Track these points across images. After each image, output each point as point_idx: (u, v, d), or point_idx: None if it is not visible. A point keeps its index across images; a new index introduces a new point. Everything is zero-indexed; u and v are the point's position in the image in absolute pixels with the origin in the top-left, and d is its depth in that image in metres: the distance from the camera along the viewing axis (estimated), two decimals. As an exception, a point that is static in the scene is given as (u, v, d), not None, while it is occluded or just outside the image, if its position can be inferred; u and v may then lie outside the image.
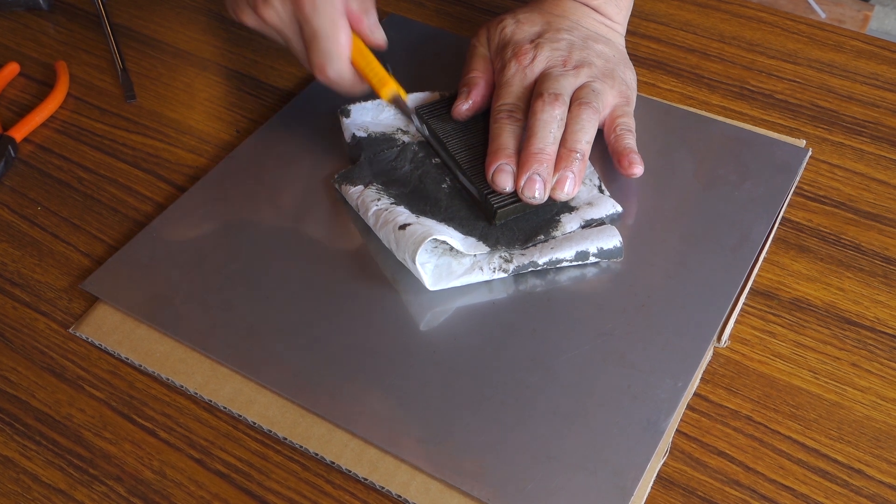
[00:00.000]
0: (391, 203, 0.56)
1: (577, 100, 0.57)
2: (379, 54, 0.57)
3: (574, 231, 0.55)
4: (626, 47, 0.65)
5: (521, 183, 0.54)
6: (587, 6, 0.63)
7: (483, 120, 0.60)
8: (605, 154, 0.60)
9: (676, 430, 0.48)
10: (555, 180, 0.54)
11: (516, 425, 0.46)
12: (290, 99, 0.67)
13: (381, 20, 0.62)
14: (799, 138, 0.63)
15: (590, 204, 0.56)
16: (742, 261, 0.54)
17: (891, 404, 0.49)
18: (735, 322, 0.52)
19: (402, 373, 0.49)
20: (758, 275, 0.55)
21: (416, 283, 0.52)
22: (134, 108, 0.68)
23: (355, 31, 0.56)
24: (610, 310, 0.52)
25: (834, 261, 0.56)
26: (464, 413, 0.47)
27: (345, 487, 0.46)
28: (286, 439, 0.47)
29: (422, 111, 0.61)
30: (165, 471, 0.47)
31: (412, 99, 0.63)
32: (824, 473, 0.46)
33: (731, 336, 0.52)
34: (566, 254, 0.53)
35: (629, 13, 0.66)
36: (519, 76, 0.58)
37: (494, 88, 0.60)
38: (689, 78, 0.69)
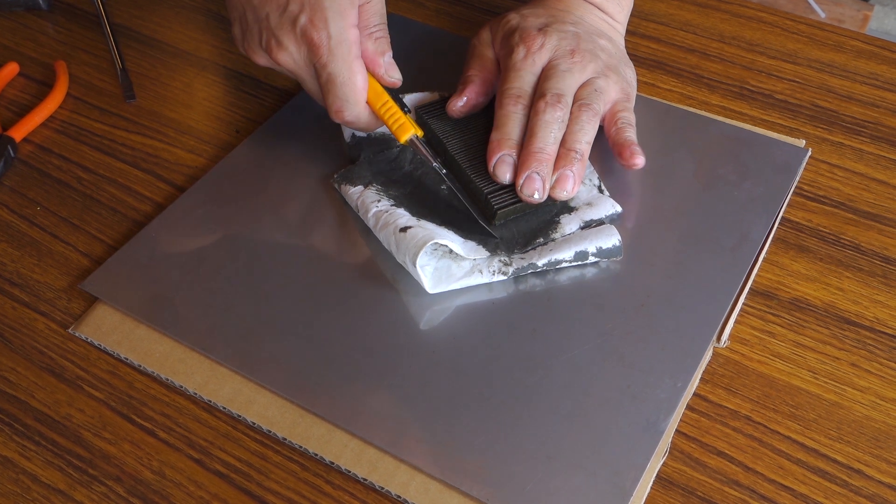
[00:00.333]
0: (391, 205, 0.56)
1: (578, 100, 0.57)
2: (394, 92, 0.57)
3: (573, 232, 0.55)
4: (627, 47, 0.65)
5: (521, 181, 0.54)
6: (590, 3, 0.63)
7: (483, 118, 0.60)
8: (604, 154, 0.60)
9: (676, 430, 0.48)
10: (554, 179, 0.54)
11: (516, 425, 0.46)
12: (290, 99, 0.67)
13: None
14: (799, 138, 0.63)
15: (589, 204, 0.56)
16: (742, 261, 0.54)
17: (890, 404, 0.49)
18: (735, 322, 0.52)
19: (402, 373, 0.49)
20: (757, 275, 0.55)
21: (416, 283, 0.52)
22: (133, 108, 0.68)
23: (371, 72, 0.55)
24: (610, 310, 0.52)
25: (833, 261, 0.56)
26: (463, 413, 0.47)
27: (344, 487, 0.46)
28: (285, 439, 0.47)
29: (421, 111, 0.61)
30: (165, 471, 0.47)
31: (410, 99, 0.63)
32: (824, 473, 0.46)
33: (731, 336, 0.52)
34: (565, 254, 0.53)
35: (629, 13, 0.67)
36: (527, 61, 0.58)
37: (501, 74, 0.60)
38: (689, 78, 0.69)
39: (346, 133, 0.62)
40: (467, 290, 0.53)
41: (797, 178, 0.60)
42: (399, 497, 0.45)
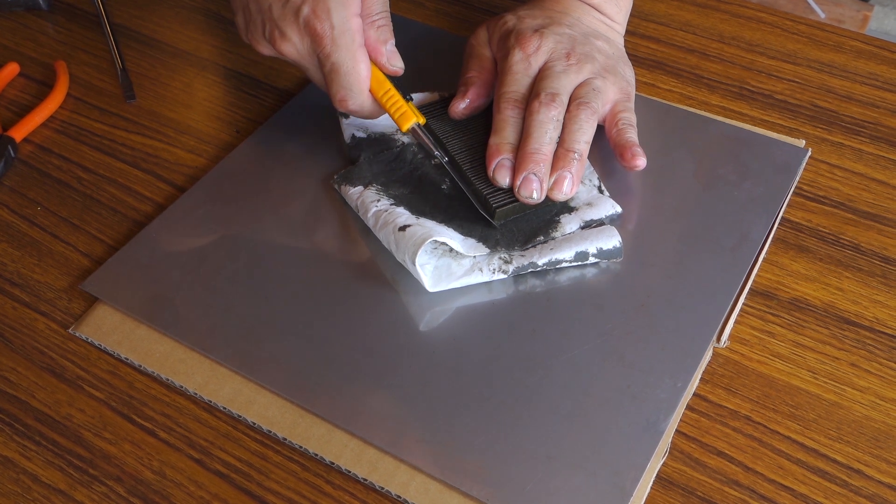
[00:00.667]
0: (391, 204, 0.56)
1: (576, 99, 0.57)
2: (395, 79, 0.57)
3: (573, 232, 0.55)
4: (626, 48, 0.65)
5: (518, 183, 0.54)
6: (587, 4, 0.63)
7: (482, 119, 0.60)
8: (604, 154, 0.60)
9: (676, 430, 0.48)
10: (553, 180, 0.54)
11: (516, 425, 0.47)
12: (290, 99, 0.67)
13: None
14: (798, 138, 0.63)
15: (589, 204, 0.56)
16: (741, 261, 0.54)
17: (890, 404, 0.49)
18: (734, 322, 0.52)
19: (402, 373, 0.49)
20: (757, 275, 0.55)
21: (416, 283, 0.52)
22: (133, 108, 0.68)
23: (373, 60, 0.56)
24: (609, 310, 0.52)
25: (833, 261, 0.56)
26: (463, 413, 0.47)
27: (344, 487, 0.46)
28: (286, 439, 0.47)
29: (421, 111, 0.61)
30: (165, 471, 0.47)
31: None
32: (823, 473, 0.46)
33: (731, 336, 0.52)
34: (565, 254, 0.53)
35: (629, 13, 0.67)
36: (523, 64, 0.58)
37: (497, 76, 0.60)
38: (689, 78, 0.69)
39: (346, 134, 0.62)
40: (467, 290, 0.53)
41: (797, 179, 0.60)
42: (399, 497, 0.45)
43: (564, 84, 0.57)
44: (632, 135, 0.58)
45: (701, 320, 0.51)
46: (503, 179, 0.54)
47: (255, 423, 0.48)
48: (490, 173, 0.55)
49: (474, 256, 0.53)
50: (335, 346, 0.50)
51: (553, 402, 0.47)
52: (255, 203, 0.58)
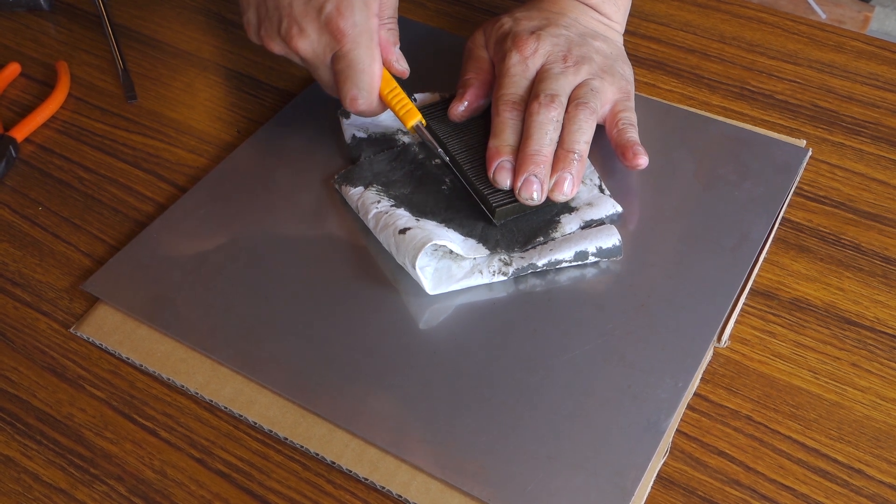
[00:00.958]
0: (391, 205, 0.56)
1: (574, 100, 0.57)
2: (401, 82, 0.58)
3: (573, 232, 0.55)
4: (627, 48, 0.65)
5: (518, 184, 0.54)
6: (585, 4, 0.63)
7: (482, 120, 0.60)
8: (605, 153, 0.60)
9: (677, 430, 0.48)
10: (553, 182, 0.54)
11: (517, 425, 0.47)
12: (291, 99, 0.67)
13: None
14: (799, 138, 0.63)
15: (590, 204, 0.56)
16: (742, 261, 0.54)
17: (891, 404, 0.49)
18: (735, 322, 0.52)
19: (403, 373, 0.49)
20: (758, 275, 0.55)
21: (417, 283, 0.52)
22: (134, 108, 0.68)
23: (384, 60, 0.57)
24: (610, 310, 0.52)
25: (834, 261, 0.56)
26: (464, 413, 0.47)
27: (345, 487, 0.46)
28: (287, 439, 0.47)
29: (422, 112, 0.61)
30: (166, 470, 0.47)
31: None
32: (824, 473, 0.46)
33: (731, 336, 0.52)
34: (565, 254, 0.53)
35: (627, 12, 0.66)
36: (521, 66, 0.58)
37: (495, 79, 0.60)
38: (690, 78, 0.69)
39: (347, 134, 0.62)
40: (468, 290, 0.53)
41: (797, 179, 0.60)
42: (400, 497, 0.45)
43: (563, 85, 0.57)
44: (633, 134, 0.58)
45: (701, 320, 0.51)
46: (504, 181, 0.54)
47: (256, 423, 0.48)
48: (490, 175, 0.55)
49: (474, 258, 0.53)
50: (336, 346, 0.50)
51: (554, 402, 0.47)
52: (256, 203, 0.58)
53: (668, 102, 0.66)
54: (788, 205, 0.59)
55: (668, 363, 0.49)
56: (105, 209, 0.60)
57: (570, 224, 0.55)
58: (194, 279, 0.54)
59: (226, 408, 0.49)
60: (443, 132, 0.60)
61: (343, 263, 0.55)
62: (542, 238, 0.54)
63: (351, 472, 0.46)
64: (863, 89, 0.68)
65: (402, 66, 0.58)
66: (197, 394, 0.49)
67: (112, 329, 0.52)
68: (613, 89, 0.59)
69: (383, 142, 0.61)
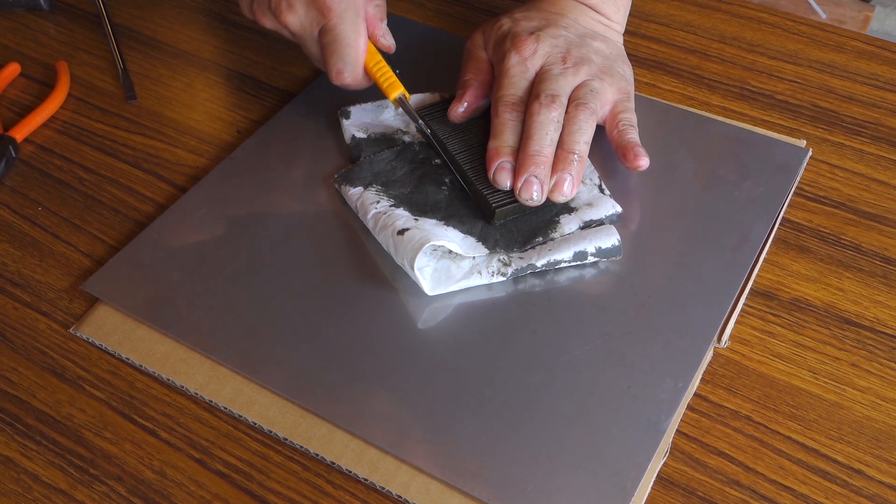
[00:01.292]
0: (390, 205, 0.56)
1: (574, 100, 0.57)
2: (386, 56, 0.60)
3: (572, 232, 0.55)
4: (627, 48, 0.65)
5: (519, 185, 0.54)
6: (585, 5, 0.63)
7: (482, 120, 0.60)
8: (604, 154, 0.60)
9: (677, 430, 0.48)
10: (553, 182, 0.54)
11: (517, 426, 0.47)
12: (291, 99, 0.67)
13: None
14: (799, 139, 0.63)
15: (589, 205, 0.56)
16: (742, 261, 0.54)
17: (890, 404, 0.49)
18: (735, 322, 0.52)
19: (403, 373, 0.49)
20: (758, 275, 0.55)
21: (416, 284, 0.52)
22: (134, 108, 0.68)
23: (370, 35, 0.59)
24: (610, 310, 0.52)
25: (834, 261, 0.56)
26: (464, 413, 0.47)
27: (345, 488, 0.46)
28: (287, 440, 0.47)
29: (422, 112, 0.61)
30: (166, 471, 0.47)
31: (412, 100, 0.63)
32: (824, 474, 0.46)
33: (731, 336, 0.52)
34: (564, 255, 0.53)
35: (627, 12, 0.66)
36: (520, 67, 0.58)
37: (494, 80, 0.60)
38: (690, 78, 0.69)
39: (347, 135, 0.62)
40: (468, 290, 0.53)
41: (797, 179, 0.60)
42: (400, 497, 0.45)
43: (563, 86, 0.57)
44: (633, 135, 0.58)
45: (702, 320, 0.51)
46: (504, 182, 0.54)
47: (256, 423, 0.48)
48: (490, 176, 0.55)
49: (473, 258, 0.53)
50: (336, 346, 0.50)
51: (554, 402, 0.47)
52: (256, 203, 0.58)
53: (668, 102, 0.66)
54: (788, 205, 0.59)
55: (668, 363, 0.49)
56: (105, 209, 0.60)
57: (569, 224, 0.55)
58: (194, 279, 0.54)
59: (225, 408, 0.49)
60: (442, 132, 0.60)
61: (343, 264, 0.55)
62: (541, 238, 0.54)
63: (351, 472, 0.46)
64: (863, 89, 0.68)
65: (388, 42, 0.60)
66: (197, 394, 0.49)
67: (112, 329, 0.52)
68: (613, 90, 0.59)
69: (383, 142, 0.61)
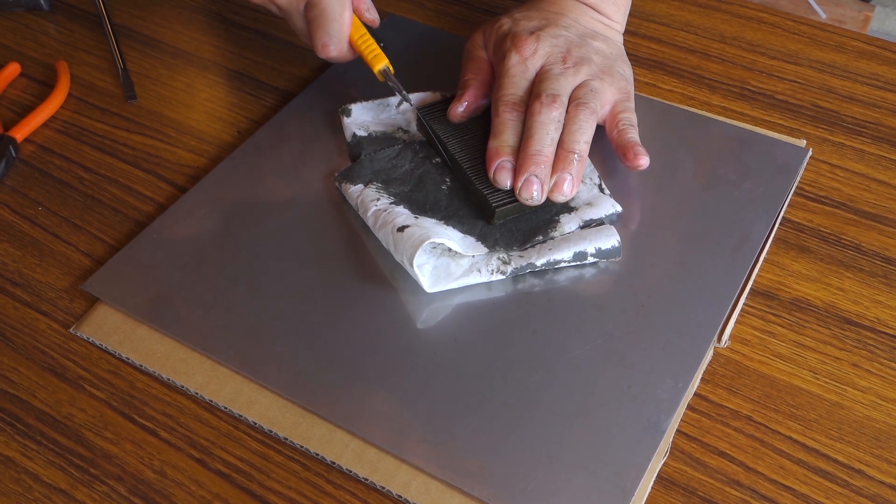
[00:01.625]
0: (390, 203, 0.56)
1: (574, 100, 0.57)
2: (371, 30, 0.62)
3: (572, 232, 0.55)
4: (627, 48, 0.65)
5: (519, 184, 0.54)
6: (585, 4, 0.63)
7: (482, 120, 0.60)
8: (605, 153, 0.60)
9: (677, 430, 0.48)
10: (553, 182, 0.54)
11: (517, 426, 0.47)
12: (291, 99, 0.67)
13: (381, 20, 0.63)
14: (799, 139, 0.63)
15: (589, 204, 0.56)
16: (742, 261, 0.54)
17: (891, 404, 0.49)
18: (735, 322, 0.52)
19: (403, 373, 0.49)
20: (758, 275, 0.55)
21: (417, 283, 0.52)
22: (134, 108, 0.68)
23: (354, 8, 0.61)
24: (610, 310, 0.52)
25: (834, 261, 0.56)
26: (464, 413, 0.47)
27: (345, 487, 0.46)
28: (287, 439, 0.47)
29: (422, 112, 0.61)
30: (166, 470, 0.47)
31: (412, 99, 0.63)
32: (825, 473, 0.46)
33: (732, 336, 0.52)
34: (564, 254, 0.53)
35: (627, 12, 0.66)
36: (520, 67, 0.58)
37: (495, 80, 0.60)
38: (690, 78, 0.69)
39: (348, 133, 0.62)
40: (468, 290, 0.53)
41: (798, 179, 0.60)
42: (400, 497, 0.45)
43: (564, 85, 0.57)
44: (633, 135, 0.58)
45: (702, 320, 0.51)
46: (504, 181, 0.54)
47: (256, 423, 0.48)
48: (490, 175, 0.55)
49: (473, 256, 0.53)
50: (336, 345, 0.50)
51: (554, 402, 0.47)
52: (256, 203, 0.58)
53: (669, 102, 0.66)
54: (789, 205, 0.59)
55: (668, 363, 0.49)
56: (105, 209, 0.60)
57: (569, 224, 0.55)
58: (194, 279, 0.54)
59: (226, 408, 0.49)
60: (442, 132, 0.60)
61: (343, 263, 0.55)
62: (540, 237, 0.54)
63: (351, 472, 0.46)
64: (863, 89, 0.68)
65: (373, 16, 0.62)
66: (197, 394, 0.49)
67: (112, 329, 0.52)
68: (613, 90, 0.59)
69: (384, 140, 0.61)
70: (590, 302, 0.52)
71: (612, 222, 0.56)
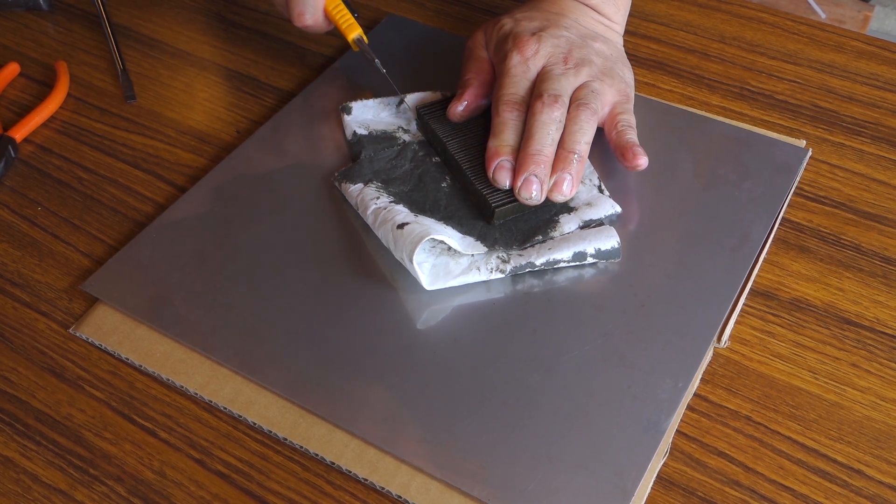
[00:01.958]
0: (390, 202, 0.56)
1: (575, 101, 0.57)
2: (346, 2, 0.64)
3: (572, 232, 0.55)
4: (627, 48, 0.65)
5: (518, 184, 0.54)
6: (585, 5, 0.63)
7: (482, 120, 0.60)
8: (604, 154, 0.60)
9: (676, 430, 0.48)
10: (552, 182, 0.54)
11: (517, 426, 0.46)
12: (290, 99, 0.67)
13: (381, 20, 0.63)
14: (799, 139, 0.63)
15: (589, 204, 0.56)
16: (742, 261, 0.54)
17: (890, 404, 0.49)
18: (735, 322, 0.52)
19: (403, 373, 0.49)
20: (758, 275, 0.55)
21: (416, 282, 0.52)
22: (134, 108, 0.68)
23: None
24: (610, 310, 0.52)
25: (834, 261, 0.56)
26: (464, 413, 0.47)
27: (345, 488, 0.46)
28: (286, 440, 0.47)
29: (422, 111, 0.61)
30: (166, 471, 0.47)
31: (412, 98, 0.63)
32: (824, 474, 0.46)
33: (731, 336, 0.52)
34: (564, 254, 0.53)
35: (627, 13, 0.67)
36: (521, 67, 0.58)
37: (495, 79, 0.60)
38: (690, 78, 0.69)
39: (348, 131, 0.62)
40: (468, 290, 0.53)
41: (797, 179, 0.60)
42: (400, 497, 0.45)
43: (565, 85, 0.57)
44: (632, 135, 0.58)
45: (701, 320, 0.51)
46: (503, 181, 0.54)
47: (255, 424, 0.48)
48: (490, 175, 0.55)
49: (472, 255, 0.53)
50: (336, 345, 0.50)
51: (554, 402, 0.47)
52: (256, 203, 0.58)
53: (668, 102, 0.66)
54: (788, 205, 0.59)
55: (668, 363, 0.49)
56: (104, 209, 0.60)
57: (568, 224, 0.55)
58: (194, 279, 0.54)
59: (225, 408, 0.49)
60: (442, 131, 0.60)
61: (343, 263, 0.55)
62: (540, 237, 0.54)
63: (350, 472, 0.46)
64: (863, 89, 0.68)
65: None
66: (196, 394, 0.49)
67: (111, 329, 0.52)
68: (613, 91, 0.59)
69: (384, 139, 0.61)
70: (589, 302, 0.52)
71: (611, 223, 0.56)
